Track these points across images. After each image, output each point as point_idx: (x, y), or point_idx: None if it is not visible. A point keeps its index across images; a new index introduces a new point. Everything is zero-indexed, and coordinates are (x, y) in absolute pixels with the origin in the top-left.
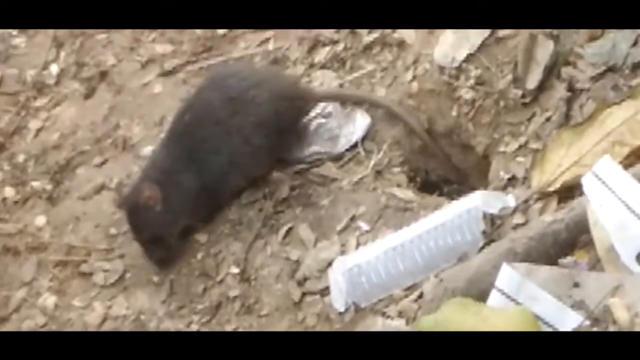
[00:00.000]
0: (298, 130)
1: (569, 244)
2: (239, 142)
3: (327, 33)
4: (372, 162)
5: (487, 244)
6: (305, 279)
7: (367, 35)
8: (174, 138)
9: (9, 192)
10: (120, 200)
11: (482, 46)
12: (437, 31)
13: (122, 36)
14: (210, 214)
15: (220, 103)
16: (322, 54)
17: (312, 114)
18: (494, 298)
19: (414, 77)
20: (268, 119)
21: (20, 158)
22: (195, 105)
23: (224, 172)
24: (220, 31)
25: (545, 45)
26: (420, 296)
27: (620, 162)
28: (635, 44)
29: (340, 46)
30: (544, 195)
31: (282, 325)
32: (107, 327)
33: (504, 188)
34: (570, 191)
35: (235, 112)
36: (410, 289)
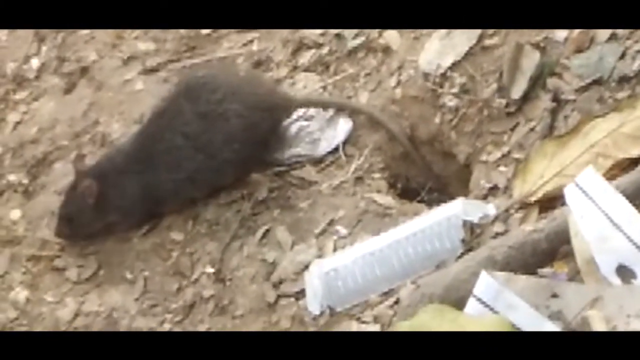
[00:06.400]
0: (278, 134)
1: (549, 254)
2: (204, 158)
3: (312, 36)
4: (353, 167)
5: (466, 252)
6: (281, 282)
7: (352, 40)
8: (140, 138)
9: None
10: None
11: (468, 54)
12: (423, 38)
13: (105, 33)
14: (148, 218)
15: (192, 116)
16: (306, 57)
17: (294, 116)
18: (471, 306)
19: (398, 83)
20: (239, 134)
21: None
22: (167, 113)
23: (178, 187)
24: (204, 31)
25: (531, 55)
26: (397, 302)
27: (603, 174)
28: (622, 57)
29: (325, 49)
30: (525, 205)
31: (255, 326)
32: (79, 323)
33: (484, 197)
34: (551, 202)
35: (206, 129)
36: (386, 294)
